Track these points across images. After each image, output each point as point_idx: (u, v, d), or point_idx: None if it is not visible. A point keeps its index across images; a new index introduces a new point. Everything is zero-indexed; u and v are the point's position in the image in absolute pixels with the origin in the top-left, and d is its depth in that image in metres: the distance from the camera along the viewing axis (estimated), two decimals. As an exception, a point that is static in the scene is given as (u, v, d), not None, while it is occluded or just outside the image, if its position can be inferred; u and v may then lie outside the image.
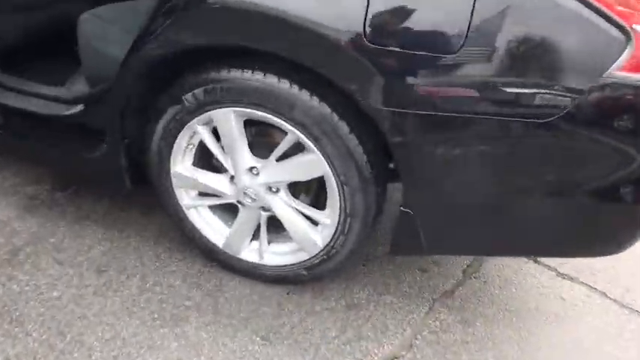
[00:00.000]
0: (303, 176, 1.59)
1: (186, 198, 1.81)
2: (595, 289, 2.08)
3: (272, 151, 1.61)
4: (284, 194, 1.68)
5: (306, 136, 1.49)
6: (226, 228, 1.86)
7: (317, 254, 1.73)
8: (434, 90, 1.26)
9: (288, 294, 1.90)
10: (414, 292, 1.98)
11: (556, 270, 2.17)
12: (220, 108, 1.53)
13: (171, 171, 1.74)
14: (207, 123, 1.62)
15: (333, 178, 1.54)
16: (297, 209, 1.69)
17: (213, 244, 1.87)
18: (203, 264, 1.98)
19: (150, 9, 1.50)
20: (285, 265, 1.81)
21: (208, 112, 1.56)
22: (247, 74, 1.46)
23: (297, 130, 1.48)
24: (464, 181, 1.40)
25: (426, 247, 1.61)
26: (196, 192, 1.82)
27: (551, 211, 1.42)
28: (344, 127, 1.46)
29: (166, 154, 1.70)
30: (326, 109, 1.45)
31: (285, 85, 1.44)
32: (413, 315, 1.89)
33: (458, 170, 1.38)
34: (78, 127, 1.91)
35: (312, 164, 1.54)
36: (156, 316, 1.77)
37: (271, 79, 1.45)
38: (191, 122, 1.60)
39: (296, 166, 1.57)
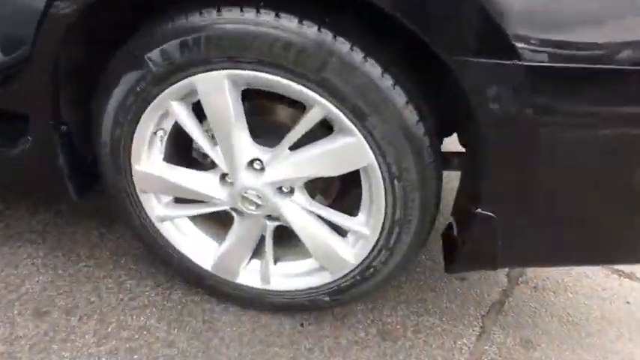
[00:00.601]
0: (332, 170, 1.04)
1: (157, 207, 1.21)
2: (660, 287, 1.66)
3: (281, 135, 1.04)
4: (300, 196, 1.12)
5: (343, 111, 0.94)
6: (215, 244, 1.29)
7: (346, 275, 1.20)
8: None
9: (302, 325, 1.36)
10: (456, 308, 1.49)
11: (609, 267, 1.74)
12: (206, 71, 0.95)
13: (133, 170, 1.14)
14: (184, 97, 1.03)
15: (378, 171, 1.00)
16: (318, 216, 1.14)
17: (199, 267, 1.29)
18: (185, 292, 1.40)
19: None
20: (300, 290, 1.27)
21: (187, 79, 0.97)
22: (249, 15, 0.89)
23: (329, 101, 0.93)
24: (588, 174, 0.90)
25: (500, 260, 1.11)
26: (171, 198, 1.23)
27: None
28: (400, 97, 0.93)
29: (124, 146, 1.10)
30: (375, 70, 0.90)
31: (310, 30, 0.88)
32: (463, 340, 1.40)
33: (585, 157, 0.88)
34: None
35: (349, 152, 0.99)
36: (123, 376, 1.19)
37: (288, 23, 0.88)
38: (160, 96, 1.01)
39: (323, 156, 1.02)
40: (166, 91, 0.99)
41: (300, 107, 1.07)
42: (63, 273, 1.41)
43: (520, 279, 1.65)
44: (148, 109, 1.03)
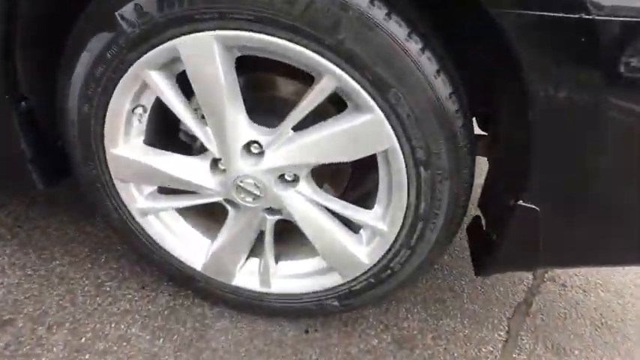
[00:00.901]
0: (345, 154, 0.86)
1: (138, 199, 1.03)
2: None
3: (283, 114, 0.87)
4: (306, 186, 0.94)
5: (360, 81, 0.76)
6: (207, 241, 1.12)
7: (359, 277, 1.03)
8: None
9: (307, 332, 1.19)
10: (479, 310, 1.33)
11: (642, 261, 1.58)
12: (192, 32, 0.77)
13: (108, 155, 0.96)
14: (165, 65, 0.84)
15: (400, 156, 0.83)
16: (327, 209, 0.97)
17: (188, 267, 1.12)
18: (173, 295, 1.23)
19: None
20: (305, 294, 1.10)
21: (168, 43, 0.79)
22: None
23: (343, 69, 0.75)
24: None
25: (543, 259, 0.94)
26: (154, 188, 1.05)
27: None
28: (430, 64, 0.75)
29: (95, 126, 0.92)
30: (400, 30, 0.72)
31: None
32: (488, 346, 1.24)
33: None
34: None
35: (366, 133, 0.82)
36: (99, 396, 1.02)
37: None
38: (135, 64, 0.83)
39: (334, 137, 0.84)
40: (143, 57, 0.81)
41: (306, 80, 0.89)
42: (32, 274, 1.23)
43: (546, 276, 1.49)
44: (122, 80, 0.84)
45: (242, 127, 0.87)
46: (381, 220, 0.94)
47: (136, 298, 1.20)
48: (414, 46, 0.74)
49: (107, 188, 1.01)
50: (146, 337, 1.12)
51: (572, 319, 1.35)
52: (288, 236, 1.11)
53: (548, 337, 1.28)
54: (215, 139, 0.90)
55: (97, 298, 1.19)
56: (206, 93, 0.83)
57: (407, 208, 0.89)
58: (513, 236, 0.89)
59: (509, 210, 0.86)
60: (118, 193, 1.02)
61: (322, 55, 0.74)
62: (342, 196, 1.06)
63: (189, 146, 1.08)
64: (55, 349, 1.08)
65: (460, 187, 0.86)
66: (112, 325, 1.14)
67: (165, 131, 1.02)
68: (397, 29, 0.73)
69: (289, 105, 0.88)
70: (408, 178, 0.85)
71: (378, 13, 0.72)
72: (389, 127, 0.79)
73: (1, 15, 0.82)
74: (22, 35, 0.87)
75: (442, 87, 0.76)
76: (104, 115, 0.90)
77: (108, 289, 1.22)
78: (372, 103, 0.77)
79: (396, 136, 0.80)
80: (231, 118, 0.85)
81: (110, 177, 0.99)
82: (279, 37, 0.74)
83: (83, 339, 1.10)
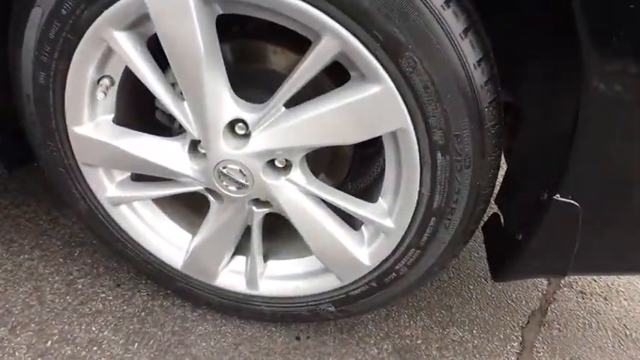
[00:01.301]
0: (346, 136, 0.71)
1: (108, 187, 0.88)
2: None
3: (273, 87, 0.72)
4: (299, 174, 0.79)
5: (366, 43, 0.61)
6: (187, 236, 0.97)
7: (358, 281, 0.88)
8: None
9: (298, 339, 1.04)
10: (489, 318, 1.18)
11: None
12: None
13: (70, 134, 0.81)
14: (132, 25, 0.69)
15: (413, 138, 0.68)
16: (324, 200, 0.82)
17: (166, 265, 0.97)
18: (152, 295, 1.08)
19: None
20: (297, 298, 0.95)
21: (132, -4, 0.64)
22: None
23: (346, 27, 0.60)
24: None
25: (575, 264, 0.79)
26: (127, 175, 0.90)
27: None
28: (456, 22, 0.59)
29: (54, 100, 0.77)
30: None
31: None
32: (500, 359, 1.09)
33: None
34: None
35: (372, 109, 0.66)
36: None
37: None
38: (96, 23, 0.67)
39: (333, 115, 0.69)
40: (104, 13, 0.66)
41: (299, 49, 0.74)
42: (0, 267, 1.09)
43: (563, 281, 1.34)
44: (82, 42, 0.69)
45: (225, 103, 0.72)
46: (387, 215, 0.79)
47: (110, 298, 1.06)
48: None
49: (72, 173, 0.86)
50: (119, 342, 0.98)
51: (593, 330, 1.20)
52: (279, 232, 0.97)
53: (565, 349, 1.14)
54: (193, 116, 0.75)
55: (67, 297, 1.05)
56: (181, 60, 0.68)
57: (418, 201, 0.74)
58: (545, 236, 0.74)
59: (541, 206, 0.71)
60: (84, 180, 0.87)
61: (321, 9, 0.59)
62: (342, 187, 0.91)
63: (169, 129, 0.93)
64: (17, 352, 0.93)
65: (483, 178, 0.71)
66: (82, 327, 0.99)
67: (140, 109, 0.86)
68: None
69: (280, 79, 0.73)
70: (421, 166, 0.70)
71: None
72: (401, 101, 0.64)
73: None
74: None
75: (470, 51, 0.61)
76: (63, 87, 0.75)
77: (80, 286, 1.08)
78: (381, 70, 0.62)
79: (409, 113, 0.65)
80: (211, 91, 0.70)
81: (75, 160, 0.84)
82: None
83: (49, 342, 0.96)
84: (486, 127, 0.65)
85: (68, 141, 0.82)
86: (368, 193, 0.90)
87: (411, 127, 0.66)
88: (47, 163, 0.86)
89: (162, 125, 0.92)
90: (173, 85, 0.77)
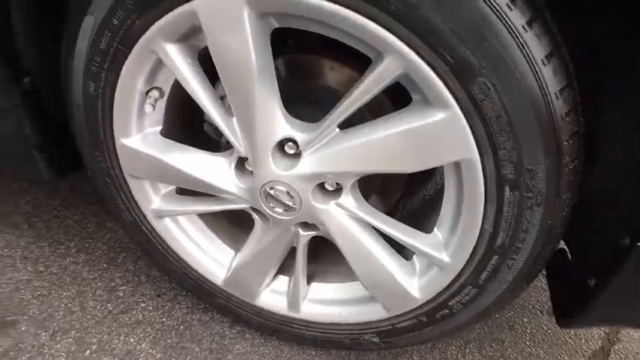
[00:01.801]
0: (404, 163, 0.64)
1: (153, 199, 0.85)
2: None
3: (328, 106, 0.65)
4: (350, 198, 0.73)
5: (435, 65, 0.53)
6: (230, 252, 0.92)
7: (407, 314, 0.80)
8: None
9: (338, 366, 0.98)
10: (544, 355, 1.07)
11: None
12: (215, -8, 0.57)
13: (118, 145, 0.78)
14: (183, 37, 0.65)
15: (479, 171, 0.59)
16: (374, 227, 0.74)
17: (207, 281, 0.93)
18: (191, 307, 1.05)
19: None
20: (340, 325, 0.88)
21: (184, 6, 0.59)
22: None
23: (413, 47, 0.53)
24: None
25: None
26: (172, 188, 0.86)
27: None
28: (539, 46, 0.51)
29: (103, 111, 0.74)
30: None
31: None
32: (557, 405, 0.98)
33: None
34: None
35: (436, 137, 0.59)
36: None
37: None
38: (147, 34, 0.64)
39: (391, 140, 0.62)
40: (155, 25, 0.62)
41: (357, 66, 0.68)
42: (44, 270, 1.09)
43: (627, 319, 1.20)
44: (132, 53, 0.66)
45: (275, 121, 0.67)
46: (443, 248, 0.71)
47: (150, 308, 1.03)
48: (518, 17, 0.50)
49: (117, 184, 0.83)
50: (156, 356, 0.95)
51: (664, 379, 1.06)
52: (324, 253, 0.90)
53: (633, 399, 1.01)
54: (241, 133, 0.70)
55: (109, 304, 1.03)
56: (232, 74, 0.63)
57: (479, 237, 0.65)
58: (624, 285, 0.63)
59: (621, 251, 0.60)
60: (130, 191, 0.84)
61: (385, 27, 0.52)
62: (393, 211, 0.84)
63: (216, 141, 0.89)
64: (56, 359, 0.92)
65: (556, 217, 0.62)
66: (121, 338, 0.97)
67: (188, 122, 0.83)
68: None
69: (336, 96, 0.66)
70: (485, 200, 0.61)
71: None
72: (469, 130, 0.56)
73: None
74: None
75: (552, 79, 0.53)
76: (112, 98, 0.71)
77: (121, 294, 1.06)
78: (448, 96, 0.54)
79: (477, 143, 0.57)
80: (262, 108, 0.65)
81: (121, 171, 0.82)
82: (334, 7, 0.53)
83: (87, 351, 0.94)
84: (564, 163, 0.56)
85: (115, 152, 0.79)
86: (421, 217, 0.82)
87: (478, 159, 0.58)
88: (94, 172, 0.84)
89: (210, 138, 0.88)
90: (222, 98, 0.72)
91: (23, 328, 0.96)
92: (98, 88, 0.70)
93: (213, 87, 0.71)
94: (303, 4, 0.54)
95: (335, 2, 0.53)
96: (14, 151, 0.84)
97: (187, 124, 0.83)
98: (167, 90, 0.74)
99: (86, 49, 0.66)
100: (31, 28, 0.72)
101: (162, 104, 0.76)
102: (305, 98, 0.73)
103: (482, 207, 0.63)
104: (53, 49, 0.75)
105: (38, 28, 0.73)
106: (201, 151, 0.78)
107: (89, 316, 1.00)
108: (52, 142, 0.85)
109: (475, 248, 0.67)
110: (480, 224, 0.65)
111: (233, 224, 0.94)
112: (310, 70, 0.74)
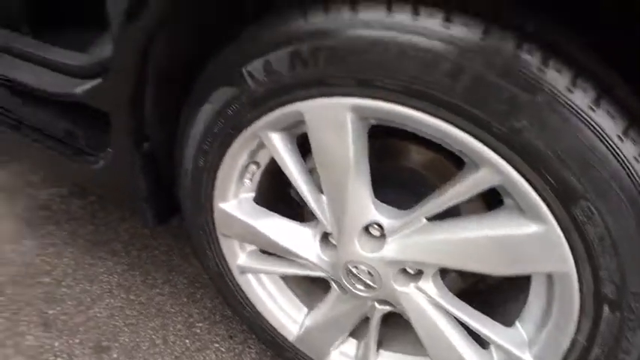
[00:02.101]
0: (492, 266, 0.64)
1: (239, 255, 0.91)
2: None
3: (418, 195, 0.67)
4: (431, 284, 0.73)
5: (535, 185, 0.53)
6: (303, 310, 0.96)
7: (479, 402, 0.78)
8: None
9: None
10: None
11: None
12: (322, 96, 0.61)
13: (215, 208, 0.85)
14: (288, 127, 0.70)
15: (575, 288, 0.58)
16: (453, 314, 0.74)
17: (279, 334, 0.97)
18: (260, 354, 1.09)
19: None
20: (406, 397, 0.88)
21: (294, 105, 0.64)
22: (403, 19, 0.53)
23: (513, 165, 0.53)
24: None
25: None
26: (256, 248, 0.92)
27: None
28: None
29: (208, 179, 0.81)
30: (609, 125, 0.49)
31: (498, 46, 0.49)
32: None
33: None
34: (89, 119, 1.07)
35: (530, 248, 0.58)
36: None
37: (465, 33, 0.51)
38: (255, 124, 0.70)
39: (480, 243, 0.62)
40: (264, 118, 0.68)
41: (450, 157, 0.69)
42: (134, 299, 1.19)
43: None
44: (240, 137, 0.72)
45: (365, 206, 0.70)
46: (526, 347, 0.69)
47: (223, 350, 1.09)
48: (630, 147, 0.49)
49: (210, 237, 0.90)
50: (226, 396, 1.00)
51: None
52: (397, 321, 0.91)
53: None
54: (329, 211, 0.73)
55: (186, 340, 1.11)
56: (329, 164, 0.67)
57: (571, 346, 0.63)
58: None
59: None
60: (219, 245, 0.91)
61: (487, 144, 0.54)
62: (469, 291, 0.83)
63: (300, 206, 0.93)
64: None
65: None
66: (196, 374, 1.03)
67: (279, 190, 0.88)
68: (606, 122, 0.49)
69: (427, 185, 0.68)
70: (580, 314, 0.59)
71: (581, 98, 0.49)
72: (567, 247, 0.55)
73: (138, 52, 0.75)
74: (154, 75, 0.79)
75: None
76: (217, 169, 0.79)
77: (198, 330, 1.13)
78: (547, 212, 0.54)
79: (575, 260, 0.55)
80: (353, 195, 0.68)
81: (214, 228, 0.88)
82: (431, 114, 0.55)
83: (168, 382, 1.01)
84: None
85: (212, 212, 0.86)
86: (499, 302, 0.80)
87: (575, 275, 0.56)
88: (191, 224, 0.92)
89: (294, 203, 0.93)
90: (311, 170, 0.76)
91: (114, 355, 1.06)
92: (207, 162, 0.78)
93: (304, 158, 0.76)
94: (408, 117, 0.56)
95: (437, 117, 0.55)
96: (128, 200, 0.94)
97: (277, 190, 0.89)
98: (263, 164, 0.80)
99: (201, 131, 0.74)
100: (158, 101, 0.81)
101: (257, 175, 0.82)
102: (393, 182, 0.75)
103: (576, 318, 0.61)
104: (171, 120, 0.84)
105: (164, 103, 0.82)
106: (289, 220, 0.82)
107: (169, 351, 1.08)
108: (159, 197, 0.95)
109: (565, 357, 0.65)
110: (572, 335, 0.62)
111: (309, 279, 0.97)
112: (401, 154, 0.76)
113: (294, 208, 0.91)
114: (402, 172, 0.76)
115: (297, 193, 0.89)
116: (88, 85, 0.97)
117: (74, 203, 1.46)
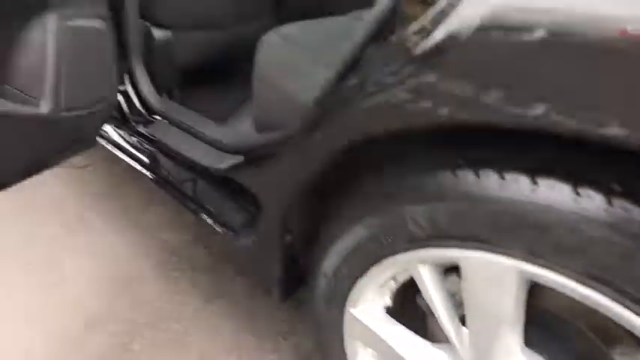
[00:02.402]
0: None
1: (362, 356, 0.93)
2: None
3: (568, 349, 0.63)
4: None
5: None
6: None
7: None
8: None
9: None
10: None
11: None
12: (485, 252, 0.62)
13: (346, 312, 0.88)
14: (440, 264, 0.72)
15: None
16: None
17: None
18: None
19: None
20: None
21: (451, 251, 0.66)
22: (589, 204, 0.52)
23: None
24: None
25: None
26: (375, 352, 0.93)
27: None
28: None
29: (344, 287, 0.85)
30: None
31: None
32: None
33: None
34: (232, 193, 1.20)
35: None
36: None
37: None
38: (406, 255, 0.72)
39: None
40: (417, 253, 0.69)
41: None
42: (247, 364, 1.25)
43: None
44: (388, 260, 0.75)
45: (511, 350, 0.67)
46: None
47: None
48: None
49: (337, 336, 0.93)
50: None
51: None
52: None
53: None
54: (471, 347, 0.72)
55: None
56: (483, 315, 0.66)
57: None
58: None
59: None
60: (344, 344, 0.93)
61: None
62: None
63: (424, 315, 0.93)
64: None
65: None
66: None
67: (407, 300, 0.89)
68: None
69: (584, 341, 0.64)
70: None
71: None
72: None
73: (294, 161, 0.82)
74: (299, 179, 0.86)
75: None
76: (356, 280, 0.82)
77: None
78: None
79: None
80: (503, 342, 0.66)
81: (342, 326, 0.91)
82: (599, 291, 0.53)
83: None
84: None
85: (342, 315, 0.89)
86: None
87: None
88: (319, 322, 0.96)
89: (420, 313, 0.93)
90: (453, 295, 0.76)
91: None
92: (349, 272, 0.81)
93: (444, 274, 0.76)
94: (583, 297, 0.54)
95: (616, 302, 0.52)
96: (260, 277, 1.02)
97: (404, 301, 0.89)
98: (402, 281, 0.82)
99: (349, 247, 0.78)
100: (301, 205, 0.88)
101: (393, 289, 0.84)
102: (544, 328, 0.72)
103: None
104: (312, 218, 0.91)
105: (308, 204, 0.89)
106: (422, 338, 0.82)
107: None
108: (289, 280, 1.02)
109: None
110: None
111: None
112: (555, 302, 0.73)
113: (419, 318, 0.91)
114: (557, 325, 0.73)
115: (427, 305, 0.89)
116: (233, 161, 1.08)
117: (199, 252, 1.60)
